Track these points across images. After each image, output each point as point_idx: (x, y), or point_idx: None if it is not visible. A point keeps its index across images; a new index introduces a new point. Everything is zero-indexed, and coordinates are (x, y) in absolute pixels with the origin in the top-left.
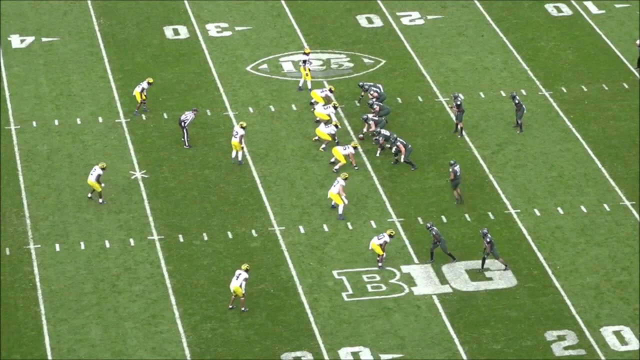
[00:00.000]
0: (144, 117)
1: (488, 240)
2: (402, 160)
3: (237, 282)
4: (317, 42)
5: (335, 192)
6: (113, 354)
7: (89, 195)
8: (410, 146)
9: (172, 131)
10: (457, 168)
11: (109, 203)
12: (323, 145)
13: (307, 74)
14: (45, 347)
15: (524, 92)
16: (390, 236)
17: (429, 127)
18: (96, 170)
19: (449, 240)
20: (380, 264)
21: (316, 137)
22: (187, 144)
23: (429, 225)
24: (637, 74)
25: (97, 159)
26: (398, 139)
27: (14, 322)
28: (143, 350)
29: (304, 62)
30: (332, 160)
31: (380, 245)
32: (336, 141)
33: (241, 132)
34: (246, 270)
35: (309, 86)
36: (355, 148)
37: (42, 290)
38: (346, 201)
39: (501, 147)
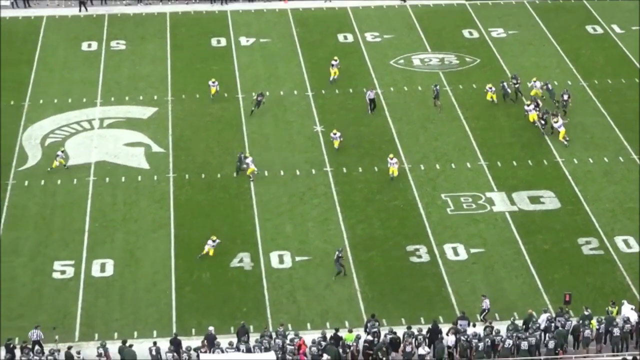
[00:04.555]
0: (323, 91)
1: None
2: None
3: (211, 244)
4: (436, 47)
5: (395, 167)
6: (300, 242)
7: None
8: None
9: (340, 102)
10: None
11: (299, 145)
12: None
13: (335, 72)
14: (256, 236)
15: (569, 82)
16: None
17: (508, 104)
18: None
19: (517, 178)
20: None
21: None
22: (372, 112)
23: (339, 249)
24: None
25: (296, 117)
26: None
27: (237, 220)
28: (319, 240)
29: (333, 65)
30: None
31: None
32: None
33: (338, 134)
34: (214, 240)
35: (335, 79)
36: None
37: (255, 200)
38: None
39: (569, 110)
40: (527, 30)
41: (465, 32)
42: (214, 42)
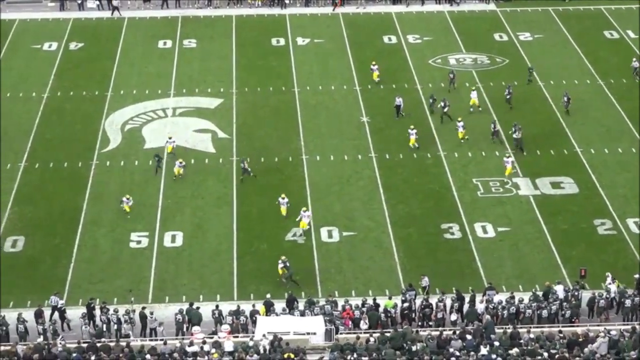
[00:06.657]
0: (369, 86)
1: (285, 265)
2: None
3: (280, 265)
4: (469, 48)
5: (306, 222)
6: (346, 219)
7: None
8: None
9: (384, 96)
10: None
11: (347, 134)
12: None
13: (376, 75)
14: (307, 206)
15: (588, 81)
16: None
17: (533, 101)
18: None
19: (540, 165)
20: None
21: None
22: (398, 117)
23: (284, 260)
24: None
25: (345, 108)
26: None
27: (291, 199)
28: (363, 218)
29: (373, 69)
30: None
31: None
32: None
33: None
34: (283, 260)
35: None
36: None
37: (308, 181)
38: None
39: (570, 110)
40: (551, 34)
41: (496, 36)
42: (273, 41)
